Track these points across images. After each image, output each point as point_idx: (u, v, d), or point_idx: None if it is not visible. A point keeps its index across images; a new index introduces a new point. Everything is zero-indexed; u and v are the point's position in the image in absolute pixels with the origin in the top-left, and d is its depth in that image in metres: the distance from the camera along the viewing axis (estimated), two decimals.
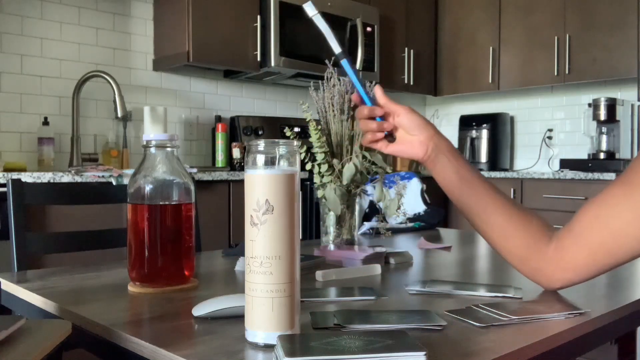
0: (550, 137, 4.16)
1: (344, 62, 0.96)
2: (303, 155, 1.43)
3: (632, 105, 3.74)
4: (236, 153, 3.32)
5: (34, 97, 2.86)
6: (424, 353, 0.61)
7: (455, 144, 4.41)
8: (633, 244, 0.82)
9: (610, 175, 3.22)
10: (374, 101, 0.99)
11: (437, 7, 4.39)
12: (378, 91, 0.99)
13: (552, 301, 0.93)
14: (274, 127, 3.60)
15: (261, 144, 0.72)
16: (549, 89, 4.12)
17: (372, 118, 0.99)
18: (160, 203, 1.03)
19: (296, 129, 3.54)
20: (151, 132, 3.05)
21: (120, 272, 1.17)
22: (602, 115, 3.67)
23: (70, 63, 2.98)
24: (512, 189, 3.65)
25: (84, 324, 0.84)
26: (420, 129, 0.96)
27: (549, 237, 0.90)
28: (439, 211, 2.18)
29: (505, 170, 4.15)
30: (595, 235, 0.85)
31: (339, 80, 1.46)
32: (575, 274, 0.88)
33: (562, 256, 0.88)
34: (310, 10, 0.99)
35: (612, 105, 3.65)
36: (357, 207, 1.47)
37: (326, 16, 3.64)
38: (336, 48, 0.97)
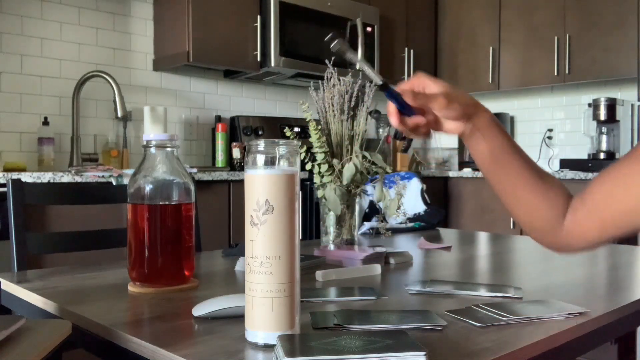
0: (550, 137, 4.16)
1: (387, 94, 0.93)
2: (303, 155, 1.43)
3: (632, 105, 3.74)
4: (236, 153, 3.32)
5: (34, 97, 2.86)
6: (424, 353, 0.61)
7: (456, 144, 4.42)
8: None
9: None
10: (410, 110, 0.94)
11: (437, 7, 4.39)
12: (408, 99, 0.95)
13: (552, 301, 0.93)
14: (274, 127, 3.60)
15: (261, 144, 0.72)
16: (549, 89, 4.12)
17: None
18: (160, 203, 1.03)
19: (296, 129, 3.53)
20: (151, 132, 3.05)
21: (120, 272, 1.17)
22: (602, 115, 3.67)
23: (70, 63, 2.97)
24: None
25: (84, 324, 0.84)
26: (455, 122, 0.95)
27: (567, 208, 0.94)
28: (439, 211, 2.18)
29: None
30: (608, 212, 0.88)
31: (339, 80, 1.46)
32: (586, 243, 0.93)
33: (576, 229, 0.92)
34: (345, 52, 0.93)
35: (612, 105, 3.65)
36: (357, 207, 1.47)
37: (326, 16, 3.61)
38: (376, 80, 0.93)
